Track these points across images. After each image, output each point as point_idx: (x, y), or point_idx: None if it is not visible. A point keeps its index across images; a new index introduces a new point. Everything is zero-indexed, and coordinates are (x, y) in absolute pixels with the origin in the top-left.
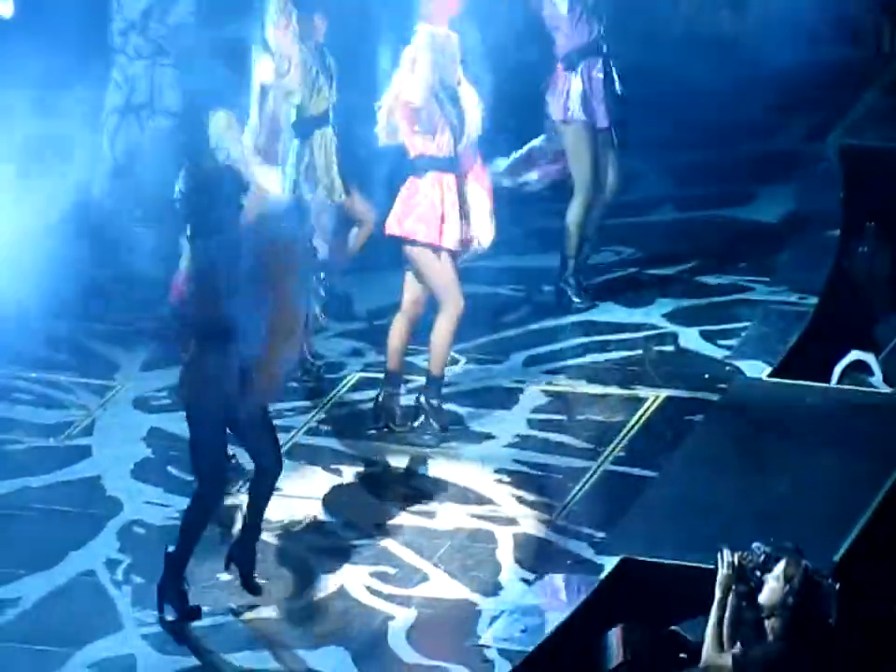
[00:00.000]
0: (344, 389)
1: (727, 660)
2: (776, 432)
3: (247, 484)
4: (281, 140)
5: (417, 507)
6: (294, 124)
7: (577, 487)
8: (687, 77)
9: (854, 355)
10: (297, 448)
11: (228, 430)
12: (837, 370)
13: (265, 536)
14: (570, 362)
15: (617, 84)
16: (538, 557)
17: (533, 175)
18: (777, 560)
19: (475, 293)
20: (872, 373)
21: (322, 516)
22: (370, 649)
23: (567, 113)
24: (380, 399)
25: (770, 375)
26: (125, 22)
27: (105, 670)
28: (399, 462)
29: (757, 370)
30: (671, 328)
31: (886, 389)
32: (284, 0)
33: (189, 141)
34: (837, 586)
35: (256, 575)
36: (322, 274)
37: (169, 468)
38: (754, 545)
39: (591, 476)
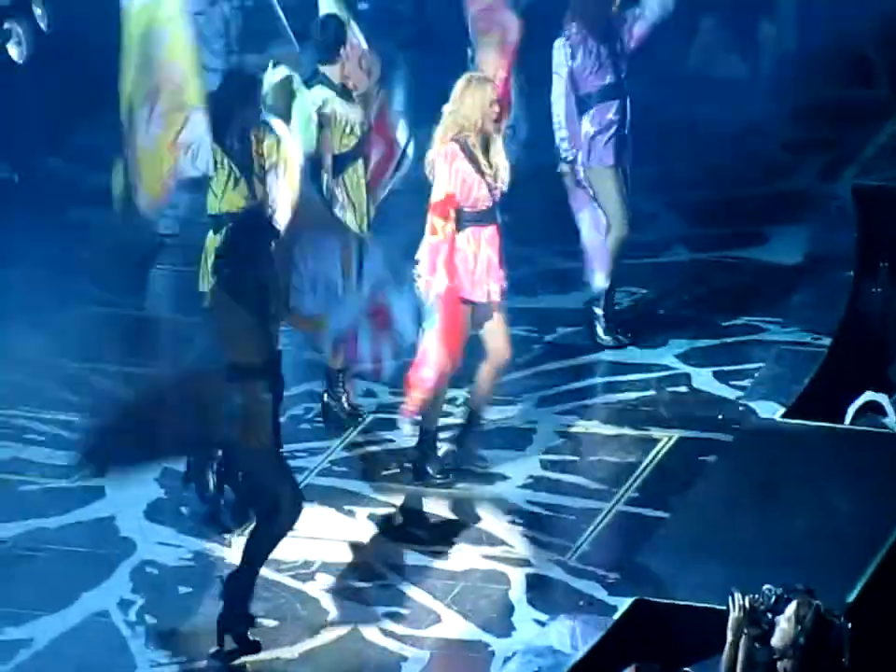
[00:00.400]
0: (358, 430)
1: None
2: (789, 473)
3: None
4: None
5: (430, 548)
6: None
7: (590, 528)
8: (700, 117)
9: (868, 395)
10: (310, 489)
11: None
12: (851, 410)
13: (279, 576)
14: (583, 403)
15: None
16: (551, 598)
17: None
18: (789, 601)
19: None
20: (885, 414)
21: (335, 557)
22: None
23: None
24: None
25: (783, 416)
26: None
27: None
28: (412, 503)
29: (770, 410)
30: (684, 368)
31: None
32: None
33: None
34: (850, 626)
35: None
36: None
37: (182, 508)
38: (765, 587)
39: (604, 517)
